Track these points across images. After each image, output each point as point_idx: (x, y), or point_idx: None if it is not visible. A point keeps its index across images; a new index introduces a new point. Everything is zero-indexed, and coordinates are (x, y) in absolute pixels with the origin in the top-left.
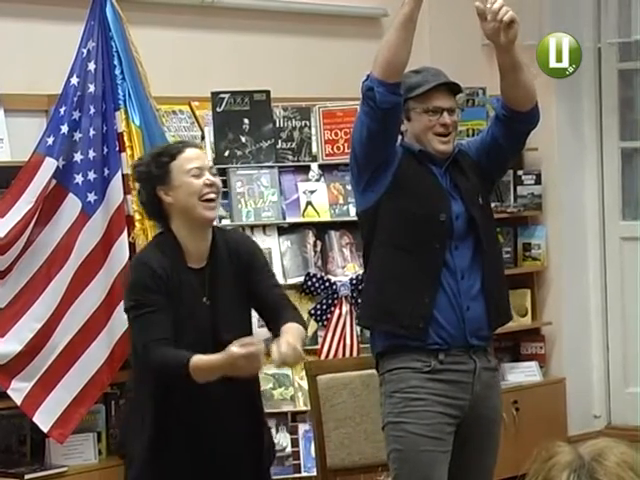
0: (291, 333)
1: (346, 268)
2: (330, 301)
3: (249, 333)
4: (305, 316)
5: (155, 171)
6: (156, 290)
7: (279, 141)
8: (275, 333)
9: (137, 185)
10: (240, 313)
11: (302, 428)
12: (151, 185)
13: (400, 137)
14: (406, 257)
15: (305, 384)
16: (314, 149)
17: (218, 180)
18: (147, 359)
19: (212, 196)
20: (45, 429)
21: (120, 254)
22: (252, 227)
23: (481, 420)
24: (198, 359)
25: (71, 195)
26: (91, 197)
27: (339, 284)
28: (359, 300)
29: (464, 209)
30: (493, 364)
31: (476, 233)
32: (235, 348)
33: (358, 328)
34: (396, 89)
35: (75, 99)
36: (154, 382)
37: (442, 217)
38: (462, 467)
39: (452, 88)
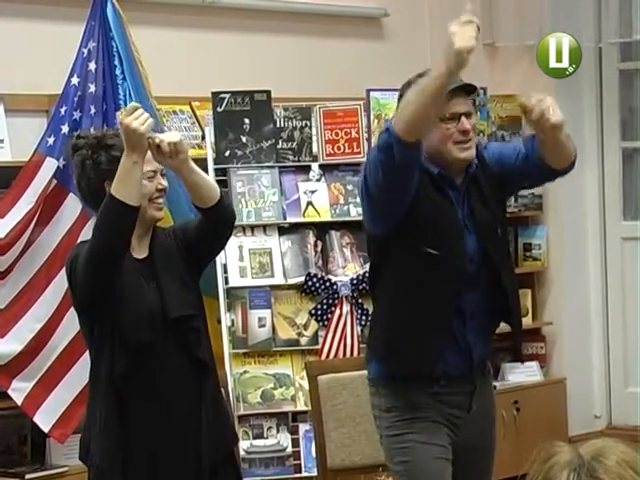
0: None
1: (347, 268)
2: (331, 301)
3: (197, 309)
4: (306, 316)
5: (105, 164)
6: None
7: (280, 141)
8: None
9: (76, 167)
10: (186, 293)
11: (303, 428)
12: (98, 177)
13: None
14: (415, 297)
15: (306, 384)
16: (314, 149)
17: (166, 182)
18: (89, 257)
19: (161, 200)
20: (46, 429)
21: None
22: (252, 227)
23: (475, 429)
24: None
25: (72, 195)
26: None
27: (340, 284)
28: (359, 300)
29: (478, 245)
30: (487, 372)
31: (491, 270)
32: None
33: (359, 328)
34: (416, 146)
35: (76, 99)
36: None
37: (457, 262)
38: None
39: (466, 89)
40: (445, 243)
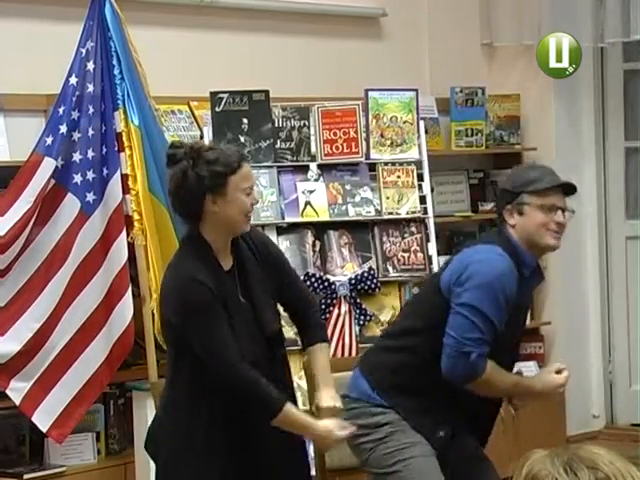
0: (325, 378)
1: (345, 268)
2: (329, 301)
3: (279, 322)
4: None
5: (208, 179)
6: (213, 303)
7: (278, 141)
8: (303, 343)
9: (173, 177)
10: (272, 305)
11: None
12: (200, 190)
13: (499, 225)
14: None
15: (304, 384)
16: (313, 149)
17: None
18: (234, 380)
19: (251, 213)
20: (44, 429)
21: (119, 254)
22: (251, 227)
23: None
24: (290, 411)
25: (70, 195)
26: (90, 197)
27: (338, 284)
28: (358, 300)
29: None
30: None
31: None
32: (333, 427)
33: (357, 327)
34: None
35: (74, 99)
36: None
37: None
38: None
39: (565, 189)
40: (512, 321)
